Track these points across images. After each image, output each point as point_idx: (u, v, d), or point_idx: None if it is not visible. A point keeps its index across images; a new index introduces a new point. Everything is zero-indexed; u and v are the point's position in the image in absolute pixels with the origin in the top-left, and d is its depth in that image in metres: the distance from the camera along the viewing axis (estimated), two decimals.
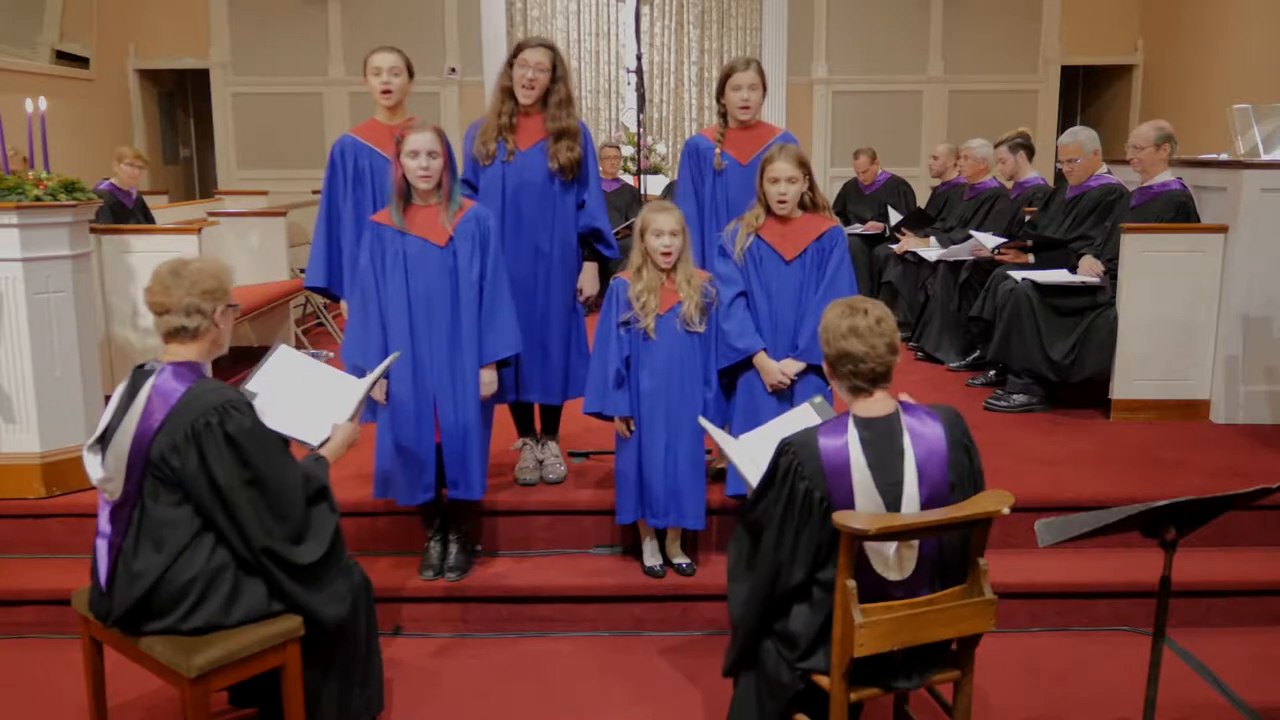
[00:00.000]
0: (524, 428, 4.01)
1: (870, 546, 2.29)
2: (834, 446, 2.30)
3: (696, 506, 3.39)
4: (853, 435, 2.31)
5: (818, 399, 2.83)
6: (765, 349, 3.40)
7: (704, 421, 3.03)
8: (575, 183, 3.72)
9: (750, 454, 2.72)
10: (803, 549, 2.33)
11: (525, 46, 3.62)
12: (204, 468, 2.39)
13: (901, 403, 2.38)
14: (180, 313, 2.48)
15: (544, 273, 3.73)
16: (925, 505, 2.30)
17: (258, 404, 2.67)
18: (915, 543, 2.32)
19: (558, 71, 3.63)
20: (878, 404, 2.35)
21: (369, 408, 3.30)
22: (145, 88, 9.57)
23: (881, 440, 2.30)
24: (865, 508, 2.27)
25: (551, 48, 3.64)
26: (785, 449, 2.35)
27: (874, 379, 2.33)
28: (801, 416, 2.76)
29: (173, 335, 2.51)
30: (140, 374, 2.51)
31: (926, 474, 2.30)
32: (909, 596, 2.32)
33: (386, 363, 3.03)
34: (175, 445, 2.39)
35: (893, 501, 2.28)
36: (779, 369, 3.38)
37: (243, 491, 2.41)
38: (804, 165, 3.35)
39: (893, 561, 2.31)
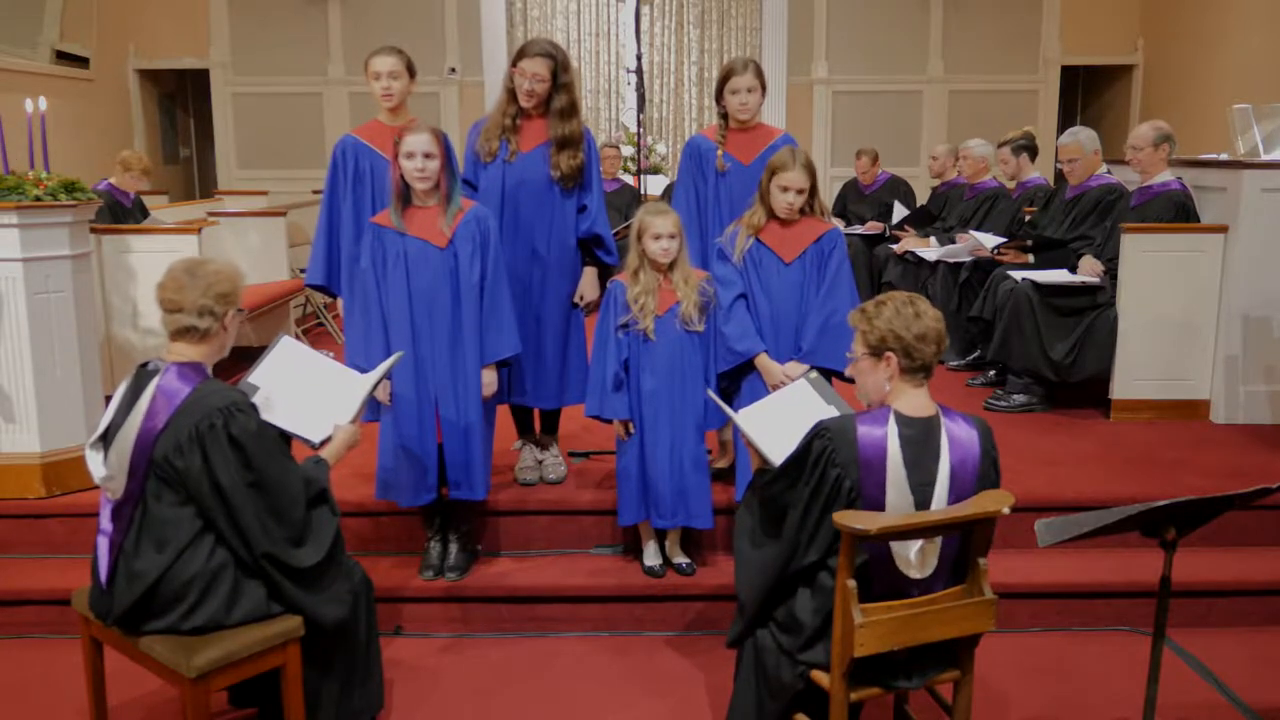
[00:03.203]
0: (524, 428, 4.00)
1: (894, 544, 2.30)
2: (872, 437, 2.30)
3: (703, 506, 3.39)
4: (892, 429, 2.31)
5: (813, 374, 2.84)
6: (766, 350, 3.40)
7: (712, 394, 3.04)
8: (577, 188, 3.72)
9: (760, 427, 2.71)
10: (822, 534, 2.35)
11: (524, 55, 3.57)
12: (207, 469, 2.39)
13: (941, 407, 2.39)
14: (193, 313, 2.48)
15: (539, 275, 3.72)
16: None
17: (259, 397, 2.67)
18: (939, 541, 2.33)
19: (559, 79, 3.58)
20: (921, 401, 2.36)
21: (370, 408, 3.30)
22: (145, 88, 9.58)
23: (920, 439, 2.31)
24: (896, 503, 2.28)
25: (552, 56, 3.57)
26: (821, 433, 2.35)
27: (937, 358, 2.37)
28: (799, 392, 2.78)
29: (181, 334, 2.51)
30: (144, 373, 2.51)
31: (957, 479, 2.31)
32: (926, 594, 2.33)
33: (389, 363, 3.02)
34: (179, 446, 2.39)
35: (922, 501, 2.29)
36: (782, 371, 3.38)
37: (245, 494, 2.42)
38: (813, 175, 3.36)
39: (915, 560, 2.32)
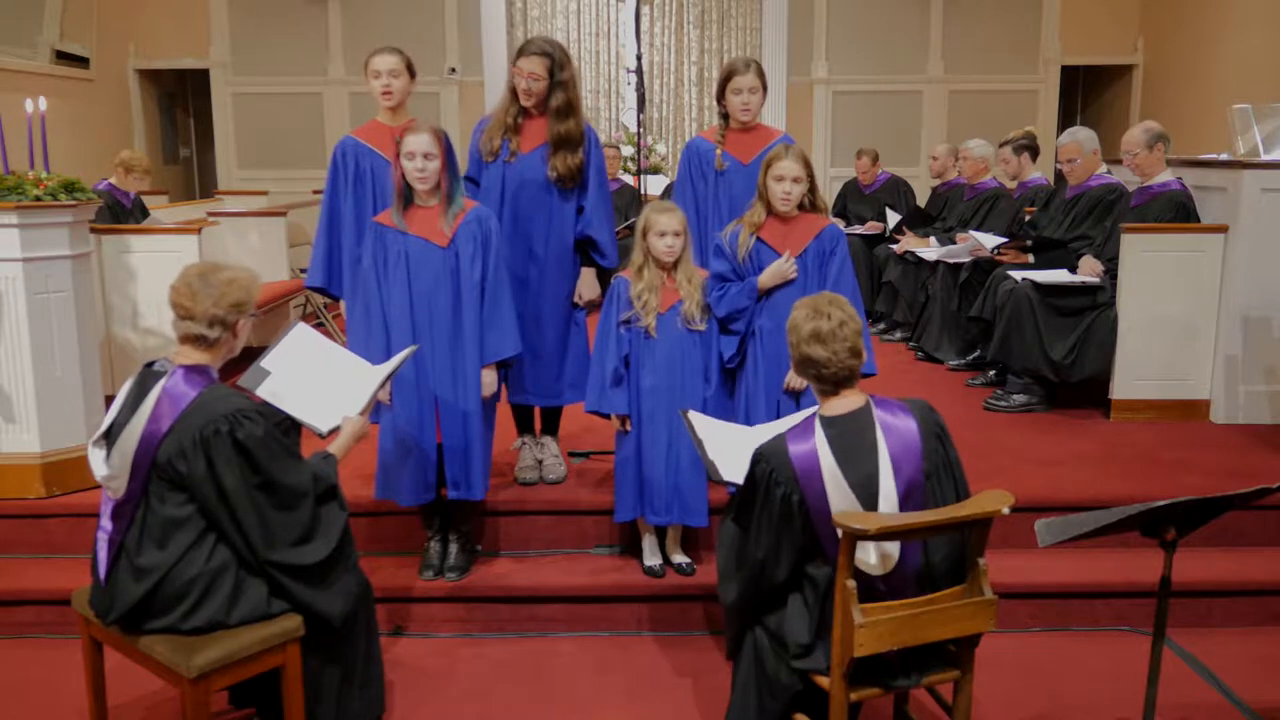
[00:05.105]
0: (524, 426, 4.00)
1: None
2: (803, 450, 2.34)
3: (699, 503, 3.39)
4: (820, 436, 2.35)
5: None
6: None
7: (688, 415, 2.94)
8: (576, 188, 3.71)
9: (742, 444, 2.71)
10: (785, 550, 2.37)
11: (522, 54, 3.59)
12: (212, 474, 2.39)
13: (873, 397, 2.42)
14: (203, 322, 2.47)
15: (537, 275, 3.72)
16: (902, 496, 2.33)
17: (271, 383, 2.66)
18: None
19: (556, 77, 3.58)
20: (846, 401, 2.40)
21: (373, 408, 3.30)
22: (145, 88, 9.57)
23: (850, 435, 2.34)
24: (839, 504, 2.30)
25: (549, 55, 3.57)
26: (759, 459, 2.40)
27: (837, 383, 2.39)
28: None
29: (189, 340, 2.51)
30: (150, 374, 2.50)
31: (902, 465, 2.33)
32: (890, 599, 2.32)
33: (403, 356, 3.02)
34: (183, 450, 2.39)
35: (868, 496, 2.31)
36: (782, 260, 3.37)
37: (250, 499, 2.41)
38: (808, 166, 3.37)
39: (875, 562, 2.32)
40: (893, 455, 2.33)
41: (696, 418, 2.87)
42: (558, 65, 3.58)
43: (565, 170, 3.63)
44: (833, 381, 2.38)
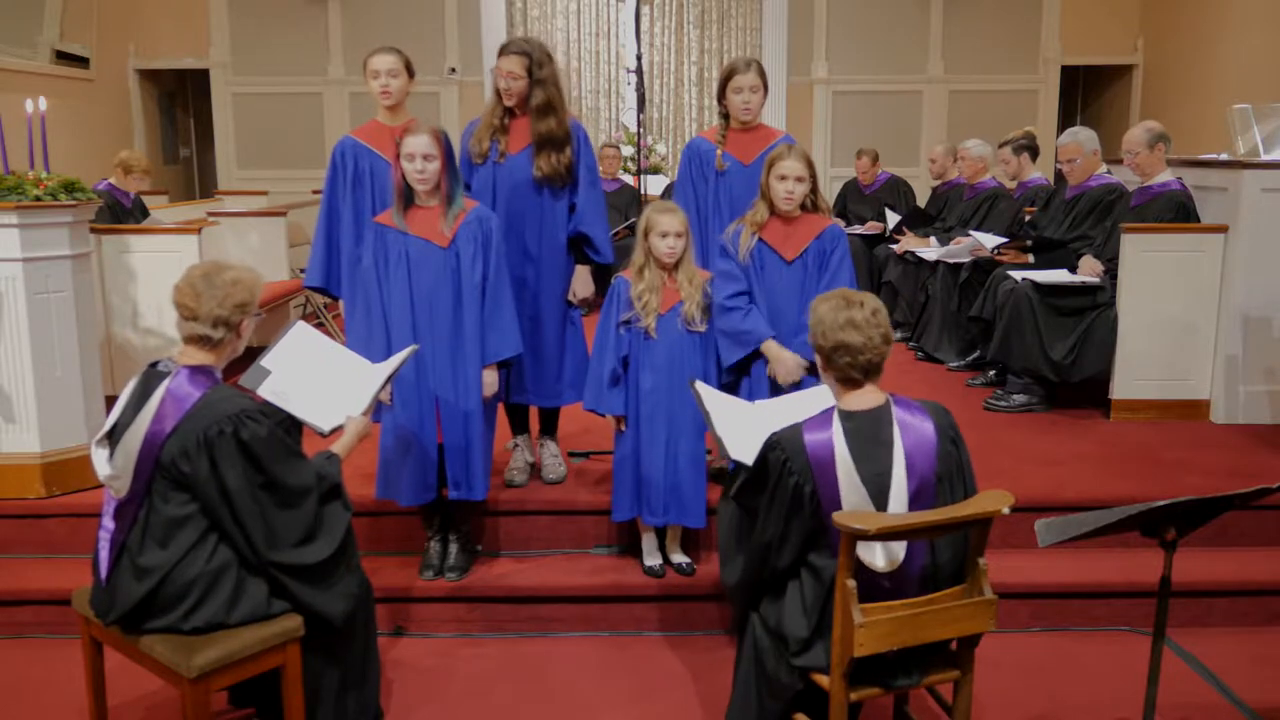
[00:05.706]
0: (519, 427, 4.00)
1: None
2: (819, 441, 2.34)
3: (696, 504, 3.39)
4: (837, 428, 2.34)
5: None
6: (774, 336, 3.39)
7: (696, 386, 2.89)
8: (567, 187, 3.71)
9: (746, 421, 2.71)
10: (793, 538, 2.38)
11: (501, 53, 3.60)
12: (215, 475, 2.39)
13: (893, 396, 2.42)
14: (207, 323, 2.47)
15: (533, 276, 3.72)
16: (913, 496, 2.33)
17: (272, 382, 2.66)
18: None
19: (535, 76, 3.57)
20: (867, 396, 2.39)
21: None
22: (145, 88, 9.57)
23: (866, 431, 2.34)
24: (850, 498, 2.30)
25: (527, 54, 3.57)
26: (774, 446, 2.39)
27: (868, 370, 2.37)
28: (821, 396, 2.76)
29: (193, 340, 2.51)
30: (154, 374, 2.50)
31: (915, 464, 2.33)
32: (893, 597, 2.32)
33: (404, 355, 3.02)
34: (186, 451, 2.39)
35: (878, 492, 2.31)
36: (794, 360, 3.36)
37: (253, 499, 2.41)
38: (811, 166, 3.37)
39: (880, 559, 2.32)
40: (908, 454, 2.33)
41: (705, 390, 2.86)
42: (536, 64, 3.58)
43: (551, 170, 3.62)
44: (863, 369, 2.35)
